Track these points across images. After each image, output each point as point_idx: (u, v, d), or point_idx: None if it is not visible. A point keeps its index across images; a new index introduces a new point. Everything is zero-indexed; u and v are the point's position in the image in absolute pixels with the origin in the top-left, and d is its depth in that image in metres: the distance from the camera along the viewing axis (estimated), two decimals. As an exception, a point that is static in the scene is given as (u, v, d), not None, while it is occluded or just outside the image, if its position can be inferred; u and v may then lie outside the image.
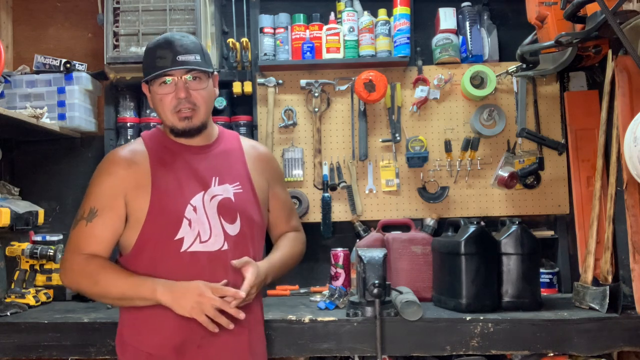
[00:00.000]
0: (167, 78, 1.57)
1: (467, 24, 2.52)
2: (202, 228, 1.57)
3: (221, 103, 2.49)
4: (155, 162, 1.61)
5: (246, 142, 1.80)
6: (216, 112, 2.45)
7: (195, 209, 1.57)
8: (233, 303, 1.51)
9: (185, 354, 1.54)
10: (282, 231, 1.83)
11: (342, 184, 2.53)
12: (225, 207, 1.61)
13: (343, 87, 2.55)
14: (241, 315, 1.51)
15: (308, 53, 2.49)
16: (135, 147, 1.66)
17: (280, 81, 2.54)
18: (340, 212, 2.53)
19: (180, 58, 1.56)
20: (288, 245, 1.79)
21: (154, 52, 1.59)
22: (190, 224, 1.56)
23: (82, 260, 1.55)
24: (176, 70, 1.56)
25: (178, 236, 1.55)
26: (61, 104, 2.44)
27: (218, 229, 1.59)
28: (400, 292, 2.00)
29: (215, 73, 1.69)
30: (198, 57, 1.59)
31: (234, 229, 1.61)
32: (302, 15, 2.55)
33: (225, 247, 1.58)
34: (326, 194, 2.51)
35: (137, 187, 1.58)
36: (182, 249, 1.55)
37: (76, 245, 1.58)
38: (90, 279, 1.54)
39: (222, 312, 1.50)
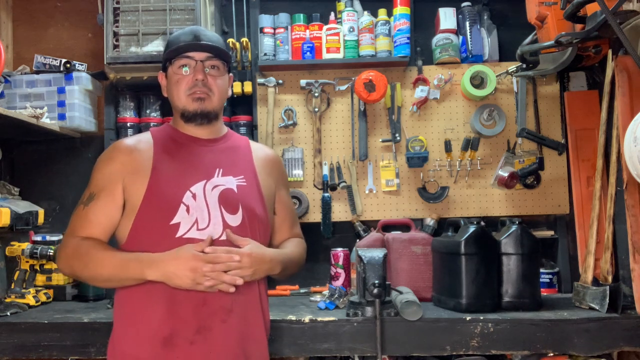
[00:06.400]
0: (187, 62, 1.61)
1: (467, 24, 2.52)
2: (201, 215, 1.54)
3: (221, 103, 2.49)
4: (159, 150, 1.62)
5: (255, 144, 1.82)
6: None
7: (194, 196, 1.55)
8: (231, 272, 1.49)
9: (174, 348, 1.48)
10: (285, 236, 1.81)
11: (342, 184, 2.53)
12: (227, 197, 1.60)
13: (343, 87, 2.55)
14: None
15: (308, 53, 2.49)
16: (141, 137, 1.69)
17: (280, 81, 2.54)
18: (340, 212, 2.53)
19: (203, 42, 1.62)
20: (294, 246, 1.78)
21: (177, 38, 1.66)
22: (188, 210, 1.53)
23: (75, 243, 1.54)
24: (197, 53, 1.61)
25: (174, 221, 1.52)
26: (61, 104, 2.44)
27: (217, 218, 1.56)
28: (400, 292, 2.00)
29: (230, 74, 1.72)
30: (220, 47, 1.66)
31: (235, 219, 1.59)
32: (302, 15, 2.55)
33: (224, 237, 1.55)
34: (326, 194, 2.51)
35: (136, 172, 1.57)
36: (178, 235, 1.52)
37: (72, 229, 1.57)
38: (81, 261, 1.52)
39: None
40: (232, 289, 1.50)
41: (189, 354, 1.49)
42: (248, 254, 1.52)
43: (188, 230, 1.53)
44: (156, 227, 1.53)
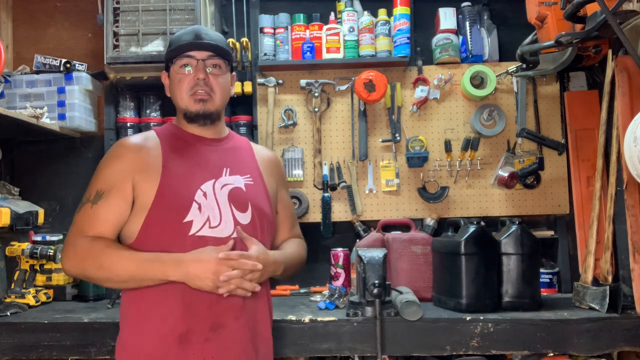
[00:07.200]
0: (189, 61, 1.61)
1: (467, 24, 2.52)
2: (212, 213, 1.55)
3: (221, 103, 2.49)
4: (167, 149, 1.61)
5: (255, 145, 1.83)
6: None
7: (205, 195, 1.55)
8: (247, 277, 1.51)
9: (190, 345, 1.49)
10: (285, 236, 1.81)
11: (342, 184, 2.53)
12: (237, 195, 1.60)
13: (343, 87, 2.55)
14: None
15: (308, 53, 2.50)
16: (146, 135, 1.68)
17: (280, 81, 2.54)
18: (340, 212, 2.53)
19: (204, 41, 1.62)
20: (295, 247, 1.78)
21: (178, 37, 1.66)
22: (200, 208, 1.53)
23: (86, 243, 1.50)
24: (198, 52, 1.61)
25: (187, 219, 1.52)
26: (61, 104, 2.44)
27: (228, 215, 1.57)
28: (400, 292, 2.00)
29: (233, 74, 1.72)
30: (221, 46, 1.66)
31: (245, 217, 1.59)
32: (302, 15, 2.55)
33: (235, 234, 1.56)
34: (326, 194, 2.51)
35: (146, 170, 1.55)
36: (191, 232, 1.51)
37: (80, 228, 1.53)
38: (95, 261, 1.48)
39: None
40: (249, 294, 1.53)
41: (203, 350, 1.50)
42: (256, 257, 1.53)
43: (200, 228, 1.53)
44: (169, 225, 1.52)
